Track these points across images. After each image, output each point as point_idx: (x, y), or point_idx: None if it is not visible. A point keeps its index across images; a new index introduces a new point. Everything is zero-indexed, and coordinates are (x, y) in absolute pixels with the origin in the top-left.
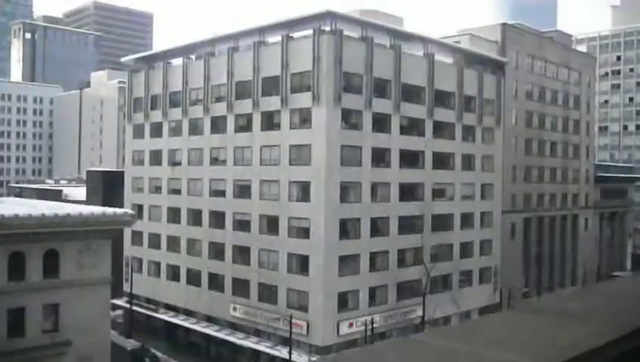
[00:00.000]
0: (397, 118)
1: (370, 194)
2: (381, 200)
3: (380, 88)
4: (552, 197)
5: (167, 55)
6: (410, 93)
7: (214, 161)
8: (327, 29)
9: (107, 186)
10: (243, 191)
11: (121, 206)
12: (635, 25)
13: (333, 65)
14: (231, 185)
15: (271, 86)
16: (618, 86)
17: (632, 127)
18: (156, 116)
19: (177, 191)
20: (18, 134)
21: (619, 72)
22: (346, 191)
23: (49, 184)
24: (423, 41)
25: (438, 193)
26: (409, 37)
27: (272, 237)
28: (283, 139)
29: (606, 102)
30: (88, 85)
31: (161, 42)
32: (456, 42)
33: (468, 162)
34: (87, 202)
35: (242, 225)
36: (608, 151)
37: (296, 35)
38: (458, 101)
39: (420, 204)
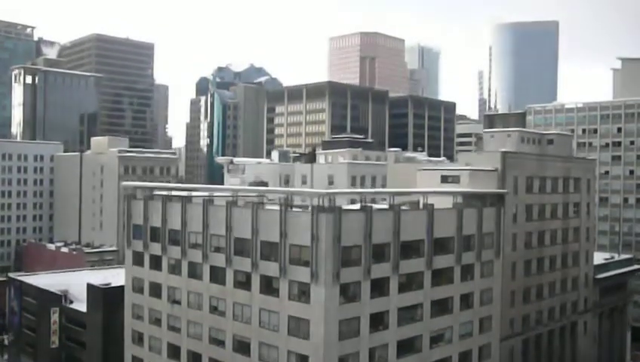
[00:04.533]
0: (395, 278)
1: (368, 358)
2: (379, 361)
3: (379, 252)
4: (550, 311)
5: (167, 190)
6: (409, 249)
7: (214, 309)
8: (326, 206)
9: (107, 303)
10: (243, 348)
11: (121, 327)
12: (635, 98)
13: (332, 243)
14: (231, 339)
15: (270, 251)
16: (619, 158)
17: (632, 200)
18: (156, 249)
19: (177, 330)
20: (19, 193)
21: (619, 144)
22: (345, 361)
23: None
24: (423, 193)
25: (437, 339)
26: (408, 193)
27: None
28: (282, 307)
29: (606, 172)
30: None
31: (162, 72)
32: (456, 177)
33: (466, 302)
34: (88, 316)
35: None
36: (608, 223)
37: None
38: (457, 244)
39: (419, 356)
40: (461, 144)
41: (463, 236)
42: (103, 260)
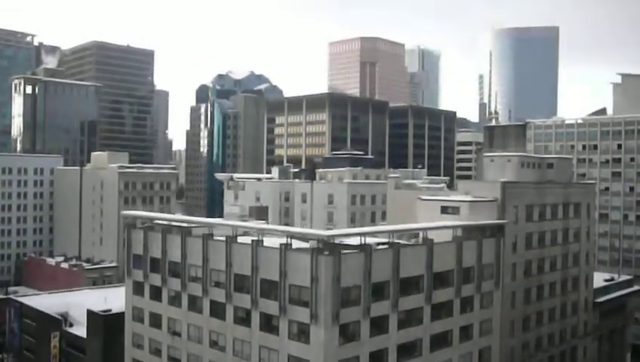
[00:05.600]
0: (395, 315)
1: None
2: None
3: (378, 291)
4: (550, 337)
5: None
6: (409, 285)
7: (214, 344)
8: (326, 252)
9: (107, 330)
10: None
11: (121, 354)
12: (635, 115)
13: (332, 285)
14: None
15: (269, 289)
16: (619, 174)
17: (632, 217)
18: (156, 280)
19: (177, 361)
20: (19, 207)
21: (619, 160)
22: None
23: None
24: (423, 229)
25: None
26: (408, 232)
27: None
28: (282, 346)
29: (607, 189)
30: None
31: (162, 78)
32: (455, 208)
33: (466, 333)
34: (88, 342)
35: None
36: (608, 239)
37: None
38: (457, 277)
39: None
40: (461, 152)
41: (463, 268)
42: (103, 276)
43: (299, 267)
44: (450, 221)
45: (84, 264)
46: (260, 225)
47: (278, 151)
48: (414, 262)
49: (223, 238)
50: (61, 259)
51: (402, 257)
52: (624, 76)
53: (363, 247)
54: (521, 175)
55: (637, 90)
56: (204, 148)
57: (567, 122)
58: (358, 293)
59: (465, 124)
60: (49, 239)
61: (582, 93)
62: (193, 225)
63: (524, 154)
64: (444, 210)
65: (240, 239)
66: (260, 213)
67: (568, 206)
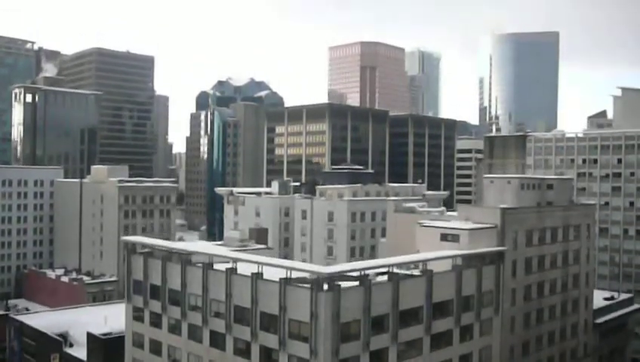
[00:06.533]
0: (394, 348)
1: None
2: None
3: (378, 324)
4: (550, 360)
5: (166, 249)
6: (408, 316)
7: None
8: (325, 288)
9: (108, 354)
10: None
11: None
12: (635, 129)
13: (331, 321)
14: None
15: (269, 323)
16: (619, 188)
17: (632, 232)
18: (156, 307)
19: None
20: (19, 219)
21: (619, 175)
22: None
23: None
24: (423, 261)
25: None
26: (408, 263)
27: None
28: None
29: (606, 203)
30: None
31: (163, 83)
32: (455, 236)
33: None
34: None
35: None
36: (608, 254)
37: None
38: (456, 306)
39: None
40: (461, 160)
41: (462, 297)
42: (103, 291)
43: (299, 302)
44: (449, 249)
45: (85, 278)
46: (260, 256)
47: (278, 161)
48: (414, 294)
49: (223, 269)
50: (61, 271)
51: (402, 289)
52: (624, 90)
53: (362, 281)
54: (521, 197)
55: (636, 103)
56: (204, 156)
57: (567, 136)
58: (357, 328)
59: (465, 127)
60: (49, 251)
61: (582, 93)
62: (193, 252)
63: (524, 176)
64: (444, 237)
65: (239, 265)
66: (260, 236)
67: (568, 228)
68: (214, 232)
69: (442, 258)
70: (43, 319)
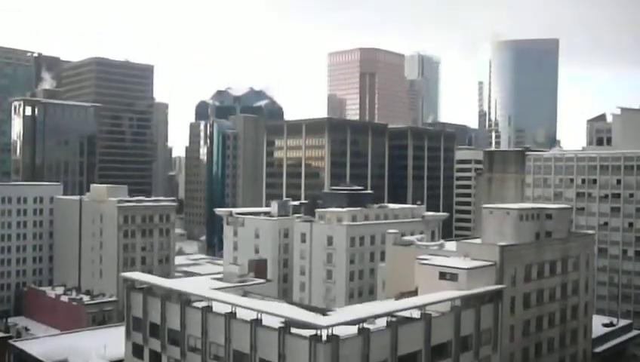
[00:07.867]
0: None
1: None
2: None
3: None
4: None
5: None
6: (407, 361)
7: None
8: (324, 339)
9: None
10: None
11: None
12: (635, 150)
13: None
14: None
15: None
16: (618, 209)
17: (631, 252)
18: (155, 345)
19: None
20: (18, 236)
21: (619, 196)
22: None
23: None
24: (422, 306)
25: None
26: (406, 309)
27: None
28: None
29: (605, 224)
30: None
31: (162, 91)
32: (454, 275)
33: None
34: None
35: None
36: (607, 274)
37: None
38: (455, 347)
39: None
40: (461, 170)
41: (461, 337)
42: (102, 311)
43: (298, 351)
44: (448, 288)
45: (84, 297)
46: (259, 302)
47: (277, 173)
48: (412, 339)
49: (222, 312)
50: (61, 290)
51: (400, 335)
52: (623, 110)
53: (361, 331)
54: (520, 229)
55: (636, 123)
56: (203, 166)
57: (566, 155)
58: None
59: (465, 131)
60: (49, 268)
61: (582, 94)
62: (192, 294)
63: (523, 206)
64: (443, 275)
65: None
66: (259, 268)
67: (567, 260)
68: (214, 243)
69: (442, 301)
70: (42, 345)
